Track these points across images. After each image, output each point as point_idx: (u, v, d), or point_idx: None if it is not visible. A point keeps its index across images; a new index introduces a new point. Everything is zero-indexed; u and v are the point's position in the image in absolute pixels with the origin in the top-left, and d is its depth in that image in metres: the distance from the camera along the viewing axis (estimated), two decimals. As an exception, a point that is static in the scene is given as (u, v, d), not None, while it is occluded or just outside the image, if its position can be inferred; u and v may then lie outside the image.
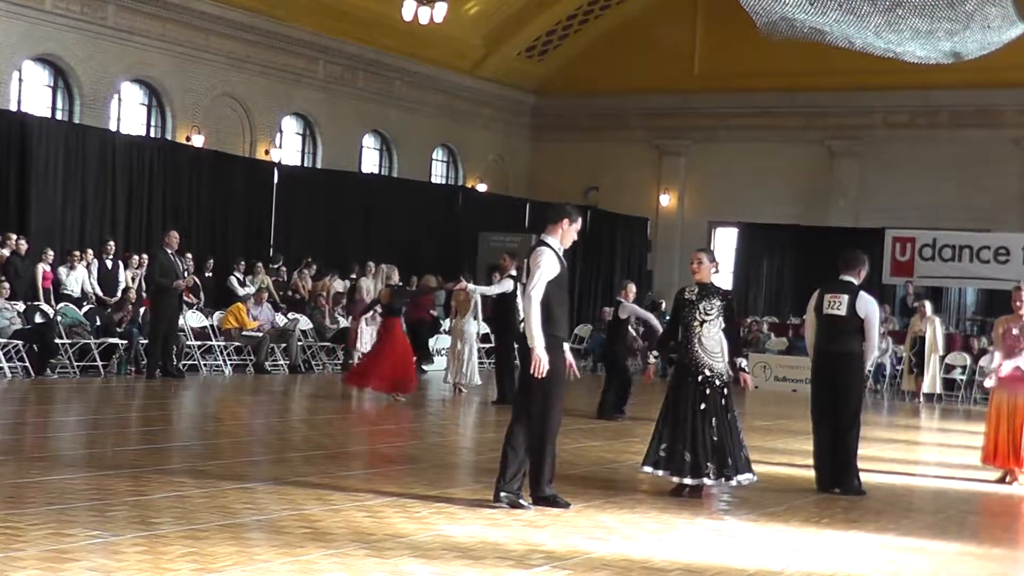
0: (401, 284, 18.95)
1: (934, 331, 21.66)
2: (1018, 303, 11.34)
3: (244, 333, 20.68)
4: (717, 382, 9.70)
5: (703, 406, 9.61)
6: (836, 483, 10.35)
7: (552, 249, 8.73)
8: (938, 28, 19.48)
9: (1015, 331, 11.31)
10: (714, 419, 9.62)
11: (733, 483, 9.68)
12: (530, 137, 36.46)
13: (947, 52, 21.14)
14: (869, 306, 10.41)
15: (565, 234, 8.86)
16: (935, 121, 31.52)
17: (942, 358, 22.43)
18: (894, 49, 21.01)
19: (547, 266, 8.64)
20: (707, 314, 9.71)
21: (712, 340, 9.74)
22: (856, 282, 10.51)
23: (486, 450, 12.21)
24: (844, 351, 10.38)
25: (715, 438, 9.59)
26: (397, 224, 27.68)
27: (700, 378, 9.67)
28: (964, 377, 22.80)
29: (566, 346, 8.87)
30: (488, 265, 18.75)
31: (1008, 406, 11.39)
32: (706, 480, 9.59)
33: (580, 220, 8.97)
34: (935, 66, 23.08)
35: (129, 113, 26.10)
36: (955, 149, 30.92)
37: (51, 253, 19.76)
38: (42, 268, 19.45)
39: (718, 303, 9.77)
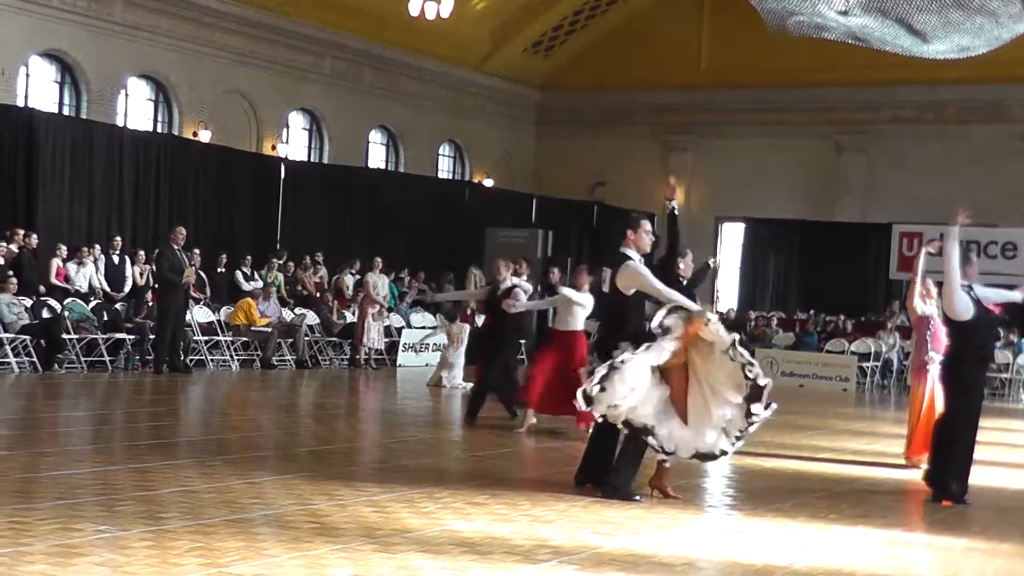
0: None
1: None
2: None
3: (252, 328, 20.71)
4: None
5: None
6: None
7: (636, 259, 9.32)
8: (949, 23, 19.43)
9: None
10: None
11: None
12: (536, 132, 36.45)
13: (955, 48, 21.09)
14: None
15: (637, 241, 9.37)
16: (942, 116, 31.46)
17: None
18: (903, 45, 20.96)
19: (646, 271, 9.20)
20: None
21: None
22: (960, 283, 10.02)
23: (491, 447, 12.21)
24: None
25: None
26: (404, 220, 27.68)
27: None
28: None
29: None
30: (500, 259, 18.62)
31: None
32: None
33: (644, 222, 9.49)
34: (942, 61, 23.02)
35: (136, 109, 26.12)
36: (962, 144, 30.86)
37: (64, 249, 19.79)
38: (56, 263, 19.48)
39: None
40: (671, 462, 9.12)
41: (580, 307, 13.07)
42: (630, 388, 8.69)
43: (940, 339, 11.22)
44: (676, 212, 9.88)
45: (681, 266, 9.53)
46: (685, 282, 9.50)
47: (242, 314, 20.67)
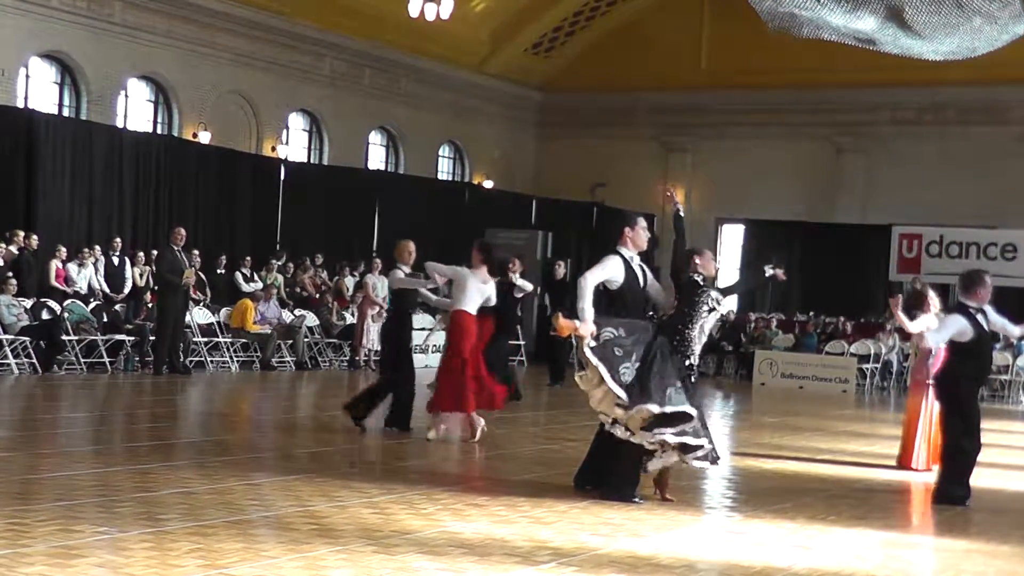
0: None
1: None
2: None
3: (251, 331, 20.72)
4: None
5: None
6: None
7: (621, 256, 9.34)
8: (946, 23, 19.43)
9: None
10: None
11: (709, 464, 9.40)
12: (537, 134, 36.44)
13: (956, 48, 21.08)
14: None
15: (634, 240, 9.44)
16: (942, 117, 31.46)
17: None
18: (903, 45, 20.96)
19: (608, 264, 9.26)
20: (718, 303, 9.49)
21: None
22: (969, 304, 9.96)
23: (492, 446, 12.21)
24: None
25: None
26: (403, 221, 27.65)
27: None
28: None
29: None
30: (497, 261, 18.62)
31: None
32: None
33: (641, 220, 9.61)
34: (942, 62, 23.04)
35: (136, 110, 26.12)
36: (962, 145, 30.86)
37: (63, 250, 19.79)
38: (55, 264, 19.49)
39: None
40: (661, 463, 9.13)
41: (455, 285, 12.23)
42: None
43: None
44: (682, 213, 9.91)
45: (698, 260, 9.42)
46: (702, 279, 9.32)
47: (238, 316, 20.67)
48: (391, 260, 24.99)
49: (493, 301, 12.61)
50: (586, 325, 8.89)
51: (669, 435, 8.87)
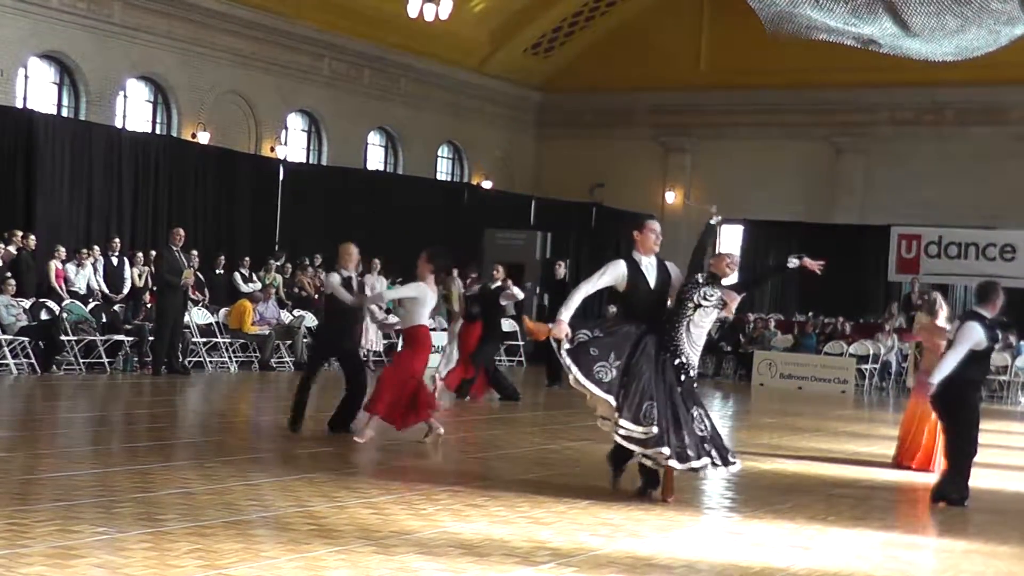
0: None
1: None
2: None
3: (250, 332, 20.70)
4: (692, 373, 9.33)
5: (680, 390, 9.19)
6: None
7: (628, 260, 9.40)
8: (946, 24, 19.43)
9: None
10: (695, 408, 9.23)
11: (732, 467, 9.37)
12: (536, 134, 36.45)
13: (952, 50, 21.09)
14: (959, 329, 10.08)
15: (642, 242, 9.46)
16: (941, 118, 31.49)
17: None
18: (900, 45, 20.96)
19: (606, 272, 9.35)
20: (706, 299, 9.25)
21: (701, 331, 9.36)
22: (985, 315, 10.07)
23: (491, 447, 12.20)
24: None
25: (704, 426, 9.23)
26: (402, 221, 27.65)
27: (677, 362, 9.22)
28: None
29: None
30: (493, 263, 18.74)
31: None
32: (694, 464, 9.10)
33: (650, 223, 9.64)
34: (941, 63, 23.05)
35: (135, 110, 26.14)
36: (961, 146, 30.89)
37: (63, 250, 19.78)
38: (55, 265, 19.48)
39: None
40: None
41: (412, 300, 11.91)
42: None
43: None
44: (712, 222, 9.95)
45: (711, 260, 9.46)
46: (703, 276, 9.29)
47: (237, 317, 20.65)
48: (389, 260, 25.21)
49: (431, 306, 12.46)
50: (559, 327, 8.96)
51: (617, 436, 9.04)
